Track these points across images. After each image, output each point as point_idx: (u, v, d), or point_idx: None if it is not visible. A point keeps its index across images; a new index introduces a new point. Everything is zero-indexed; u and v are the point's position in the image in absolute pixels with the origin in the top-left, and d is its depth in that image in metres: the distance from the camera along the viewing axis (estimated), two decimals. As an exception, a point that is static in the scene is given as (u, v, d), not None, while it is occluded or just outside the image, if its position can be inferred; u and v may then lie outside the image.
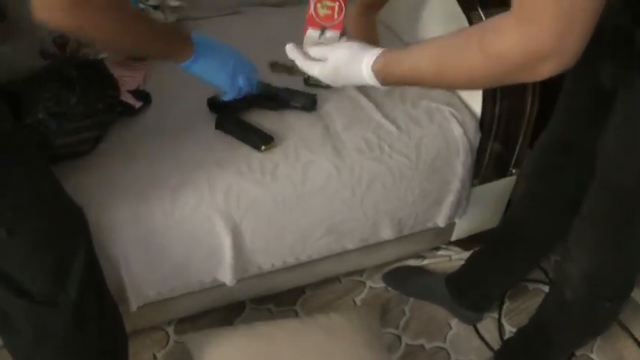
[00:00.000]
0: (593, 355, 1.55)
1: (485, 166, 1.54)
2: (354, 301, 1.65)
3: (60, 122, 1.18)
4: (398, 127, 1.40)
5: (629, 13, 0.91)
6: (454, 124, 1.44)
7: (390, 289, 1.68)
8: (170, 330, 1.53)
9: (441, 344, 1.56)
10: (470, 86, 1.31)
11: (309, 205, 1.32)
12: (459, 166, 1.45)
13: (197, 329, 1.48)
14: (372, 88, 0.90)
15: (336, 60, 0.90)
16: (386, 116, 1.43)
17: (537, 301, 1.38)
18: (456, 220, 1.62)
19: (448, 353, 1.54)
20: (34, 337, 1.03)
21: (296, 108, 1.41)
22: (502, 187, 1.64)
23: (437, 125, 1.43)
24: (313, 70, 0.94)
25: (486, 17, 1.36)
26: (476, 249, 1.57)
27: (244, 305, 1.60)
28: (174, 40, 1.09)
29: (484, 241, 1.56)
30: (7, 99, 0.96)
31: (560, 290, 1.21)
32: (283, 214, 1.31)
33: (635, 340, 1.59)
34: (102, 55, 1.42)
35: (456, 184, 1.48)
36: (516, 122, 1.49)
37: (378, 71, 0.86)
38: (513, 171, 1.60)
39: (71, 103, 1.19)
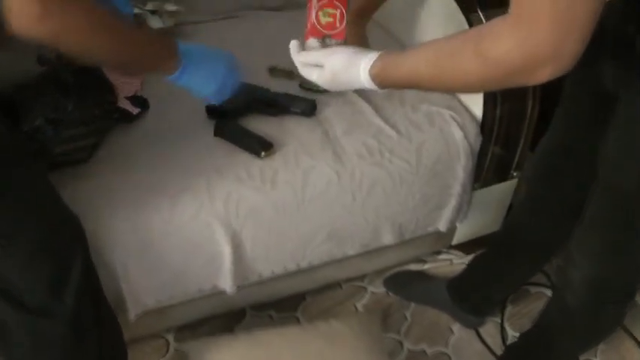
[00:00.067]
0: (596, 360, 1.54)
1: (486, 169, 1.53)
2: (355, 306, 1.64)
3: (57, 129, 1.16)
4: (398, 132, 1.39)
5: (629, 15, 0.90)
6: (455, 127, 1.43)
7: (391, 294, 1.67)
8: (170, 338, 1.51)
9: (443, 349, 1.55)
10: (467, 90, 1.31)
11: (310, 211, 1.31)
12: (460, 170, 1.44)
13: (197, 337, 1.47)
14: (372, 91, 0.90)
15: (333, 66, 0.90)
16: (386, 120, 1.42)
17: (539, 304, 1.37)
18: (457, 224, 1.61)
19: (450, 358, 1.53)
20: (32, 347, 1.02)
21: (295, 113, 1.40)
22: (503, 190, 1.63)
23: (437, 129, 1.42)
24: (311, 75, 0.94)
25: (486, 18, 1.35)
26: (477, 253, 1.56)
27: (245, 312, 1.58)
28: (161, 49, 1.01)
29: (485, 245, 1.55)
30: (2, 106, 0.95)
31: (562, 295, 1.20)
32: (283, 220, 1.30)
33: (639, 344, 1.57)
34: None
35: (457, 189, 1.47)
36: (517, 125, 1.48)
37: (375, 75, 0.86)
38: (514, 174, 1.59)
39: (68, 109, 1.18)
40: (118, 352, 1.19)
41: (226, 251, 1.27)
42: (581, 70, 0.79)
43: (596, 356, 1.54)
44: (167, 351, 1.49)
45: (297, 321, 1.59)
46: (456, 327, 1.60)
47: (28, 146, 1.11)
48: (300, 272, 1.46)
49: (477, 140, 1.45)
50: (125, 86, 1.42)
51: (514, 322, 1.62)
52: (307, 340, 1.39)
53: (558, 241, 1.33)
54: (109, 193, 1.19)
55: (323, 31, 0.96)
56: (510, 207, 1.68)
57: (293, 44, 0.97)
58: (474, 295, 1.56)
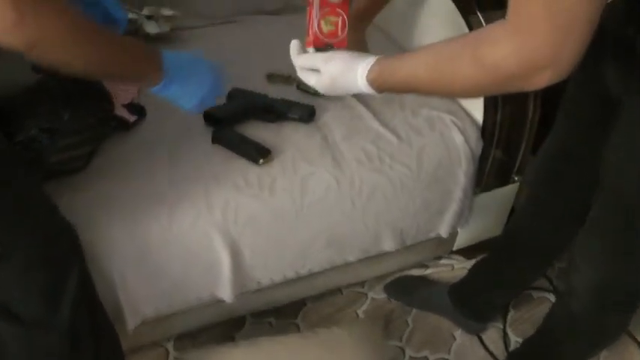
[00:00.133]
0: (600, 365, 1.52)
1: (488, 173, 1.51)
2: (356, 313, 1.62)
3: (53, 138, 1.15)
4: (398, 137, 1.38)
5: (630, 16, 0.89)
6: (455, 132, 1.41)
7: (392, 300, 1.65)
8: (169, 346, 1.50)
9: (446, 356, 1.54)
10: (466, 95, 1.31)
11: (309, 218, 1.30)
12: (461, 175, 1.43)
13: (197, 345, 1.46)
14: (371, 96, 0.90)
15: (331, 72, 0.91)
16: (385, 125, 1.41)
17: (542, 309, 1.36)
18: (458, 229, 1.60)
19: (453, 365, 1.52)
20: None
21: (293, 119, 1.39)
22: (504, 194, 1.62)
23: (438, 134, 1.41)
24: (310, 80, 0.95)
25: (485, 20, 1.34)
26: (479, 258, 1.55)
27: (244, 319, 1.57)
28: (145, 61, 0.96)
29: (487, 250, 1.53)
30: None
31: (566, 301, 1.19)
32: (282, 228, 1.28)
33: (643, 349, 1.56)
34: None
35: (458, 194, 1.45)
36: (518, 129, 1.47)
37: (373, 80, 0.86)
38: (516, 178, 1.58)
39: (64, 118, 1.16)
40: (116, 363, 1.18)
41: (225, 260, 1.25)
42: (583, 73, 0.79)
43: (599, 361, 1.53)
44: (167, 360, 1.48)
45: (298, 328, 1.57)
46: (458, 333, 1.58)
47: (23, 156, 1.10)
48: (299, 279, 1.44)
49: (477, 144, 1.44)
50: (122, 93, 1.40)
51: (517, 328, 1.60)
52: (307, 348, 1.38)
53: (561, 245, 1.32)
54: (106, 203, 1.18)
55: (325, 40, 0.95)
56: (512, 211, 1.67)
57: (294, 45, 0.97)
58: (475, 300, 1.55)
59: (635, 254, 1.06)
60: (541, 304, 1.66)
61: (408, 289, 1.67)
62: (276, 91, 1.44)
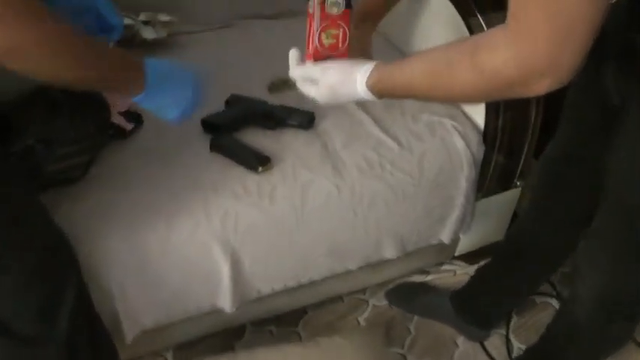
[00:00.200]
0: (605, 373, 1.51)
1: (489, 178, 1.50)
2: (357, 320, 1.61)
3: (50, 148, 1.13)
4: (399, 143, 1.37)
5: (632, 20, 0.88)
6: (457, 137, 1.40)
7: (393, 307, 1.64)
8: (169, 356, 1.48)
9: (449, 363, 1.52)
10: (465, 100, 1.31)
11: (310, 226, 1.28)
12: (463, 180, 1.42)
13: (197, 354, 1.44)
14: (371, 102, 0.90)
15: (328, 81, 0.90)
16: (386, 132, 1.39)
17: (545, 315, 1.34)
18: (460, 235, 1.58)
19: (456, 372, 1.51)
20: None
21: (293, 126, 1.38)
22: (507, 199, 1.60)
23: (439, 139, 1.40)
24: (310, 92, 0.94)
25: (486, 22, 1.33)
26: (481, 264, 1.54)
27: (244, 328, 1.55)
28: (128, 70, 0.93)
29: (489, 255, 1.52)
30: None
31: (570, 308, 1.18)
32: (283, 237, 1.27)
33: (648, 355, 1.55)
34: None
35: (460, 199, 1.44)
36: (520, 134, 1.45)
37: (372, 86, 0.86)
38: (518, 183, 1.57)
39: (61, 127, 1.15)
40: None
41: (224, 269, 1.24)
42: (584, 77, 0.77)
43: (604, 368, 1.51)
44: (166, 370, 1.46)
45: (299, 336, 1.56)
46: (461, 340, 1.57)
47: (20, 167, 1.08)
48: (300, 287, 1.43)
49: (479, 150, 1.43)
50: (119, 101, 1.39)
51: (520, 334, 1.58)
52: (308, 357, 1.36)
53: (564, 250, 1.31)
54: (104, 213, 1.17)
55: (326, 53, 0.93)
56: (514, 216, 1.65)
57: (292, 55, 0.95)
58: (478, 306, 1.53)
59: (640, 263, 1.05)
60: (544, 309, 1.64)
61: (409, 295, 1.65)
62: (275, 97, 1.41)
